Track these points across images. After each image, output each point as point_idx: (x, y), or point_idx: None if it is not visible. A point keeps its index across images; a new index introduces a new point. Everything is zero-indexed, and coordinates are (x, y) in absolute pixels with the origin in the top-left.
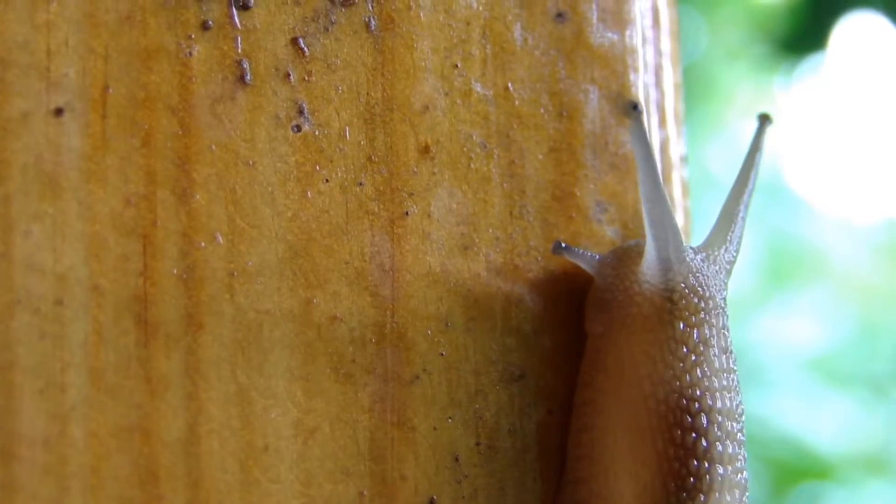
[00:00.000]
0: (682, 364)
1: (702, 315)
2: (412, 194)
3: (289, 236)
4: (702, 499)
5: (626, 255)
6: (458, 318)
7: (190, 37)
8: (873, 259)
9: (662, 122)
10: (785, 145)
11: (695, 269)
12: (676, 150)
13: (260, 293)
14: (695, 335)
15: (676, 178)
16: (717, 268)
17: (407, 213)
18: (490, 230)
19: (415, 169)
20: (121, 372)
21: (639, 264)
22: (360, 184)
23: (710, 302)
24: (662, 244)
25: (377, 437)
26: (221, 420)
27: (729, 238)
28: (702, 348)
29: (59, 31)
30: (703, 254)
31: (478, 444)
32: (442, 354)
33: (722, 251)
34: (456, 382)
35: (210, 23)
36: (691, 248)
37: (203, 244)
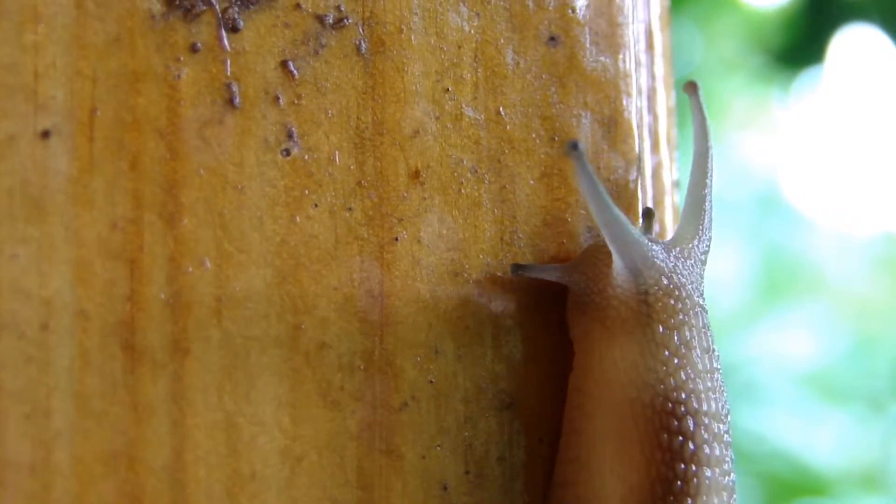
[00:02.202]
0: (665, 367)
1: (681, 317)
2: (402, 220)
3: (277, 261)
4: (689, 502)
5: (594, 257)
6: (447, 345)
7: (178, 59)
8: (870, 273)
9: (655, 147)
10: (782, 158)
11: (668, 270)
12: (669, 175)
13: (247, 319)
14: (675, 338)
15: (668, 203)
16: (692, 262)
17: (396, 239)
18: (480, 256)
19: (405, 194)
20: (107, 398)
21: (609, 266)
22: (350, 209)
23: (688, 301)
24: (628, 257)
25: (365, 464)
26: (208, 447)
27: (700, 227)
28: (683, 350)
29: (46, 52)
30: (676, 249)
31: (467, 472)
32: (431, 381)
33: (695, 243)
34: (445, 410)
35: (199, 45)
36: (662, 245)
37: (190, 269)
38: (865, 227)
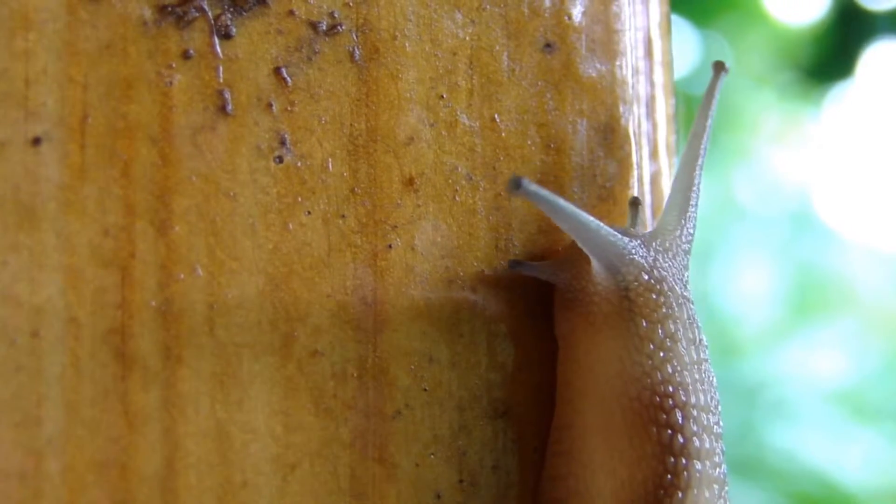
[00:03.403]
0: (650, 361)
1: (664, 310)
2: (396, 227)
3: (269, 269)
4: (679, 496)
5: (577, 254)
6: (441, 353)
7: (171, 66)
8: None
9: (654, 155)
10: (813, 174)
11: (647, 266)
12: (668, 183)
13: (240, 326)
14: (659, 331)
15: None
16: (672, 253)
17: (390, 246)
18: (475, 264)
19: (399, 201)
20: (98, 405)
21: (590, 264)
22: (343, 216)
23: (671, 294)
24: (602, 258)
25: (358, 473)
26: (199, 455)
27: (685, 217)
28: (669, 343)
29: (37, 59)
30: (657, 241)
31: (461, 481)
32: (425, 389)
33: (677, 233)
34: (439, 418)
35: (191, 52)
36: (641, 239)
37: (182, 276)
38: None
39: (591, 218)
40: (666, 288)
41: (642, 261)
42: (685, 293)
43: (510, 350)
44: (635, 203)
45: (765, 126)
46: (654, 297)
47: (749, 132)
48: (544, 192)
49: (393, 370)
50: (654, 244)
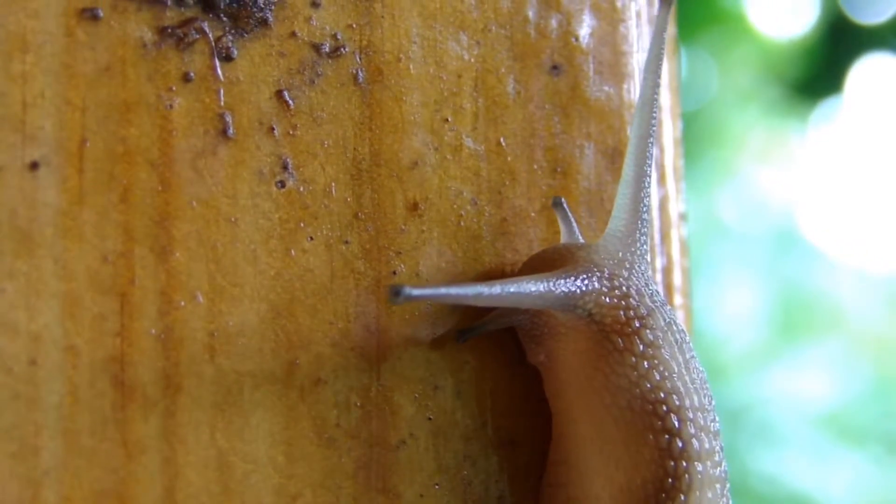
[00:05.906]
0: (635, 372)
1: (636, 324)
2: (400, 253)
3: (271, 295)
4: (682, 499)
5: None
6: (446, 381)
7: (171, 89)
8: (889, 311)
9: (661, 180)
10: (799, 192)
11: (606, 289)
12: (675, 207)
13: (241, 354)
14: (638, 343)
15: (675, 236)
16: (630, 263)
17: (394, 273)
18: None
19: (403, 226)
20: (96, 435)
21: None
22: (346, 242)
23: (640, 306)
24: (554, 306)
25: None
26: (200, 485)
27: (637, 219)
28: (651, 351)
29: (35, 82)
30: (610, 255)
31: None
32: (429, 419)
33: (629, 241)
34: (444, 448)
35: (192, 74)
36: (594, 258)
37: (182, 303)
38: (885, 264)
39: (520, 284)
40: (633, 302)
41: (597, 285)
42: (655, 298)
43: (516, 378)
44: (558, 203)
45: (750, 143)
46: (621, 313)
47: (734, 149)
48: (458, 290)
49: (397, 399)
50: (607, 259)
